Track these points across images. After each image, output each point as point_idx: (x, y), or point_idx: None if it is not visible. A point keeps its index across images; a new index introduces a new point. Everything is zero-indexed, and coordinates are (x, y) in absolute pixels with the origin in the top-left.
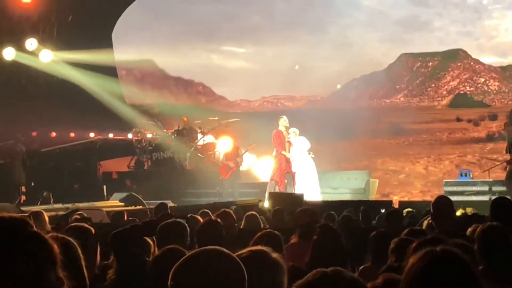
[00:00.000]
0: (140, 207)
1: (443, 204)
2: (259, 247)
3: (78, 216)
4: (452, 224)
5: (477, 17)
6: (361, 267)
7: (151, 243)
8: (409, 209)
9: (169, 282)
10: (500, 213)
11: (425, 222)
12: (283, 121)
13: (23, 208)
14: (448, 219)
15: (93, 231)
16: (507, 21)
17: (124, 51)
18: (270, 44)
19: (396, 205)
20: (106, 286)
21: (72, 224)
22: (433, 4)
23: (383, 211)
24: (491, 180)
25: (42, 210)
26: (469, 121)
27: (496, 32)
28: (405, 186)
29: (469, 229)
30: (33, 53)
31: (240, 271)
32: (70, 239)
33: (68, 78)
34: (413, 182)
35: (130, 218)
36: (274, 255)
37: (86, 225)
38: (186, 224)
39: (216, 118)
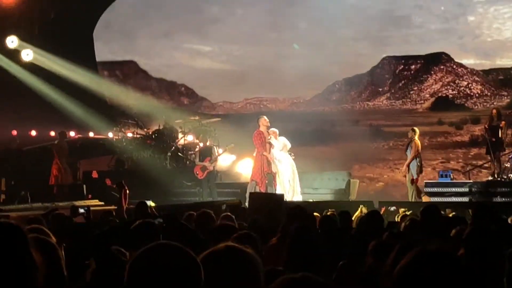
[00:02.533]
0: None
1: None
2: (233, 243)
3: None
4: (438, 227)
5: (460, 12)
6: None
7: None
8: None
9: (125, 278)
10: (481, 216)
11: (403, 224)
12: (264, 121)
13: (2, 208)
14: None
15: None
16: (490, 17)
17: (106, 51)
18: (252, 44)
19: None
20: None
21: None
22: None
23: (364, 210)
24: (471, 181)
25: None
26: (451, 124)
27: (479, 30)
28: (382, 195)
29: (453, 231)
30: (14, 51)
31: (195, 265)
32: (51, 240)
33: (48, 76)
34: (391, 191)
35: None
36: (249, 250)
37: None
38: (159, 224)
39: (197, 117)
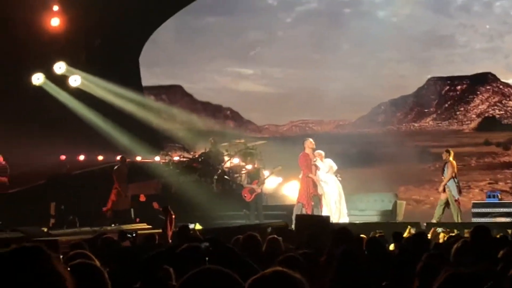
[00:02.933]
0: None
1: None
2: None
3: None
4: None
5: (505, 30)
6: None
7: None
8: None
9: None
10: None
11: (454, 246)
12: (309, 143)
13: (52, 232)
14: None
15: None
16: None
17: (152, 76)
18: (294, 67)
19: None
20: None
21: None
22: (455, 14)
23: (413, 231)
24: None
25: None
26: (498, 144)
27: None
28: (429, 217)
29: (501, 252)
30: (61, 77)
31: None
32: (96, 263)
33: (95, 101)
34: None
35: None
36: (297, 275)
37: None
38: (206, 248)
39: (243, 140)
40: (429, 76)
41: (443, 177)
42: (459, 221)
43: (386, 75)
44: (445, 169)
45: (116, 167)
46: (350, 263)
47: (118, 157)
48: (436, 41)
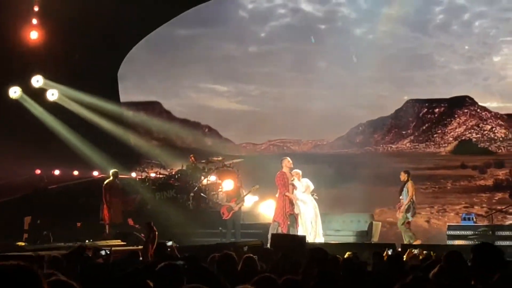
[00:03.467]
0: (141, 247)
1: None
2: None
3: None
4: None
5: (485, 51)
6: None
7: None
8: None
9: None
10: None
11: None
12: (287, 162)
13: (26, 247)
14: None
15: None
16: None
17: (130, 92)
18: (270, 85)
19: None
20: None
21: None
22: (434, 33)
23: (390, 252)
24: (494, 224)
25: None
26: (474, 168)
27: (504, 72)
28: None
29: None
30: (39, 91)
31: None
32: (73, 283)
33: (72, 116)
34: None
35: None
36: None
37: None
38: (182, 266)
39: (220, 158)
40: (406, 98)
41: (401, 198)
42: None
43: (365, 95)
44: (405, 189)
45: (107, 182)
46: (326, 284)
47: (111, 172)
48: (414, 61)
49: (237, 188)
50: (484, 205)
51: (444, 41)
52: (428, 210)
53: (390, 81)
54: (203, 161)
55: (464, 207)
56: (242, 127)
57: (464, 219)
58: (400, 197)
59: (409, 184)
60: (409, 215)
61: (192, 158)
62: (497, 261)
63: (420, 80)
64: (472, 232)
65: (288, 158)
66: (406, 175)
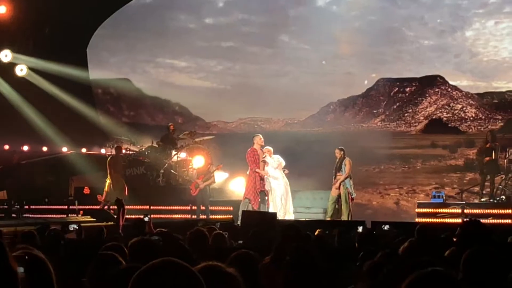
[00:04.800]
0: (112, 223)
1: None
2: (213, 262)
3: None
4: (433, 248)
5: (457, 25)
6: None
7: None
8: None
9: None
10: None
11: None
12: (259, 140)
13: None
14: (432, 245)
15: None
16: (487, 33)
17: (100, 69)
18: (233, 60)
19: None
20: None
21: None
22: (402, 4)
23: (360, 229)
24: (463, 202)
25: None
26: (444, 147)
27: (475, 48)
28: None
29: (447, 251)
30: (7, 66)
31: (198, 282)
32: (40, 254)
33: (41, 92)
34: (381, 218)
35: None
36: (230, 269)
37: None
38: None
39: (187, 132)
40: (374, 75)
41: (339, 174)
42: (350, 219)
43: (330, 72)
44: (343, 166)
45: (110, 157)
46: (301, 260)
47: (114, 146)
48: (382, 35)
49: (207, 165)
50: (455, 186)
51: (414, 12)
52: (397, 191)
53: (356, 57)
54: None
55: (435, 187)
56: (212, 105)
57: (434, 196)
58: (338, 174)
59: (347, 161)
60: (351, 190)
61: (172, 126)
62: (482, 238)
63: (389, 56)
64: (441, 210)
65: (260, 136)
66: (341, 152)
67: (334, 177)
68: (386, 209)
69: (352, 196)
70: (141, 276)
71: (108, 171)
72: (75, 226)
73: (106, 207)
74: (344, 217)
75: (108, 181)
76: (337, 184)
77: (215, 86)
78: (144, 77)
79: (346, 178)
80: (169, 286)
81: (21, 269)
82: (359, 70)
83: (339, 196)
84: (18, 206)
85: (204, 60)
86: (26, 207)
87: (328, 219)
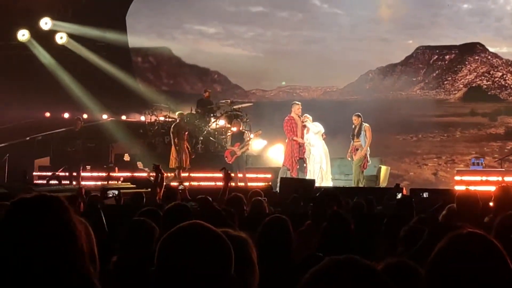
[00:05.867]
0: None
1: (468, 198)
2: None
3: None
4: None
5: None
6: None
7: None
8: None
9: (155, 259)
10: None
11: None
12: (297, 109)
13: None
14: (472, 212)
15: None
16: None
17: (139, 37)
18: (264, 26)
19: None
20: (109, 269)
21: None
22: None
23: (399, 196)
24: (503, 169)
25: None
26: (484, 115)
27: None
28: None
29: (486, 218)
30: (48, 33)
31: (227, 246)
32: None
33: (81, 60)
34: None
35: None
36: (240, 233)
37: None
38: (193, 208)
39: (228, 101)
40: (410, 41)
41: (357, 140)
42: (359, 185)
43: (366, 38)
44: (362, 132)
45: (174, 124)
46: (339, 225)
47: (177, 114)
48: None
49: (243, 132)
50: (496, 155)
51: None
52: (435, 161)
53: (392, 23)
54: (212, 105)
55: (475, 157)
56: (252, 74)
57: (474, 164)
58: (356, 140)
59: (366, 127)
60: (369, 157)
61: (208, 93)
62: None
63: (425, 21)
64: (481, 178)
65: (299, 104)
66: (359, 118)
67: (352, 142)
68: (423, 180)
69: (369, 164)
70: (169, 237)
71: (172, 138)
72: (115, 192)
73: (174, 174)
74: (354, 183)
75: (173, 148)
76: (363, 152)
77: (246, 54)
78: (179, 44)
79: (369, 144)
80: (195, 248)
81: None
82: (395, 36)
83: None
84: (56, 173)
85: (233, 26)
86: (67, 173)
87: (355, 185)
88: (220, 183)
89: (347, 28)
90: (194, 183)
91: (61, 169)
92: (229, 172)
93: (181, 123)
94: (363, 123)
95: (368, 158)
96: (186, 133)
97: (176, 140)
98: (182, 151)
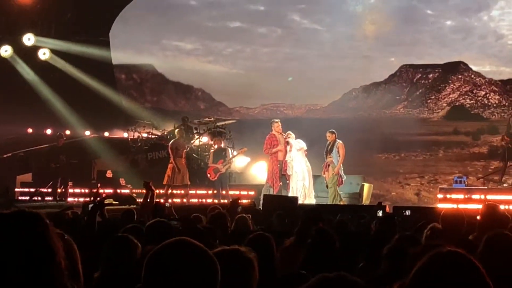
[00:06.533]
0: (134, 206)
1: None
2: (233, 246)
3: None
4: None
5: (480, 6)
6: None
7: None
8: None
9: (142, 274)
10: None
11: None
12: (276, 126)
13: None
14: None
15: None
16: None
17: (123, 54)
18: (243, 42)
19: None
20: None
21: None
22: None
23: (380, 214)
24: (486, 187)
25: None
26: (467, 134)
27: (500, 30)
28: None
29: (471, 236)
30: (30, 49)
31: (214, 265)
32: (67, 236)
33: (63, 76)
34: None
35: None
36: (247, 252)
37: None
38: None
39: (212, 118)
40: (393, 59)
41: (330, 156)
42: (333, 202)
43: (347, 55)
44: (334, 149)
45: (173, 141)
46: (324, 243)
47: (176, 130)
48: (399, 14)
49: (225, 149)
50: (480, 175)
51: None
52: (418, 180)
53: (373, 39)
54: (196, 120)
55: (457, 176)
56: (235, 92)
57: (456, 182)
58: (329, 156)
59: (340, 144)
60: (342, 173)
61: (185, 118)
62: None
63: (408, 38)
64: (463, 196)
65: (278, 122)
66: (333, 135)
67: (324, 160)
68: (405, 201)
69: (343, 179)
70: (155, 255)
71: (170, 155)
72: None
73: (169, 190)
74: (329, 201)
75: (170, 165)
76: (336, 170)
77: (227, 70)
78: (160, 61)
79: (342, 161)
80: (181, 265)
81: None
82: (377, 53)
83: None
84: (37, 190)
85: (212, 42)
86: (49, 190)
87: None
88: (205, 199)
89: (328, 45)
90: (177, 200)
91: (48, 185)
92: (151, 186)
93: (179, 139)
94: (337, 140)
95: (342, 174)
96: (184, 150)
97: (174, 156)
98: (179, 169)
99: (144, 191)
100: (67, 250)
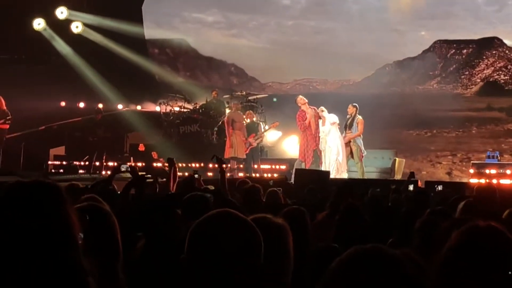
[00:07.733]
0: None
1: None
2: (262, 214)
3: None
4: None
5: None
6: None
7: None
8: None
9: (185, 248)
10: None
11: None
12: (300, 100)
13: (50, 177)
14: (491, 204)
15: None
16: None
17: (156, 29)
18: (268, 15)
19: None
20: (135, 257)
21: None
22: None
23: (411, 188)
24: None
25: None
26: (501, 110)
27: None
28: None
29: (506, 212)
30: (64, 22)
31: (257, 234)
32: (104, 207)
33: (96, 49)
34: None
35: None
36: (278, 219)
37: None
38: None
39: (244, 92)
40: (423, 33)
41: (349, 131)
42: (362, 176)
43: (379, 28)
44: (354, 123)
45: (228, 114)
46: (352, 218)
47: (232, 103)
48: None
49: (257, 123)
50: None
51: None
52: (450, 159)
53: (405, 12)
54: (227, 95)
55: (490, 150)
56: (269, 66)
57: (489, 157)
58: (348, 131)
59: (359, 120)
60: (363, 148)
61: (215, 93)
62: None
63: (439, 10)
64: (496, 171)
65: (300, 96)
66: (354, 108)
67: (343, 134)
68: (436, 179)
69: (364, 154)
70: (200, 225)
71: (226, 129)
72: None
73: (229, 165)
74: (359, 175)
75: (226, 139)
76: (346, 139)
77: (252, 44)
78: (192, 36)
79: (358, 136)
80: (226, 236)
81: (80, 235)
82: (406, 27)
83: (350, 153)
84: (71, 163)
85: (234, 14)
86: (82, 163)
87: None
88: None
89: (355, 17)
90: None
91: (84, 159)
92: (174, 162)
93: (236, 112)
94: (357, 115)
95: (362, 149)
96: (242, 123)
97: (230, 130)
98: (235, 142)
99: (167, 167)
100: (105, 223)
